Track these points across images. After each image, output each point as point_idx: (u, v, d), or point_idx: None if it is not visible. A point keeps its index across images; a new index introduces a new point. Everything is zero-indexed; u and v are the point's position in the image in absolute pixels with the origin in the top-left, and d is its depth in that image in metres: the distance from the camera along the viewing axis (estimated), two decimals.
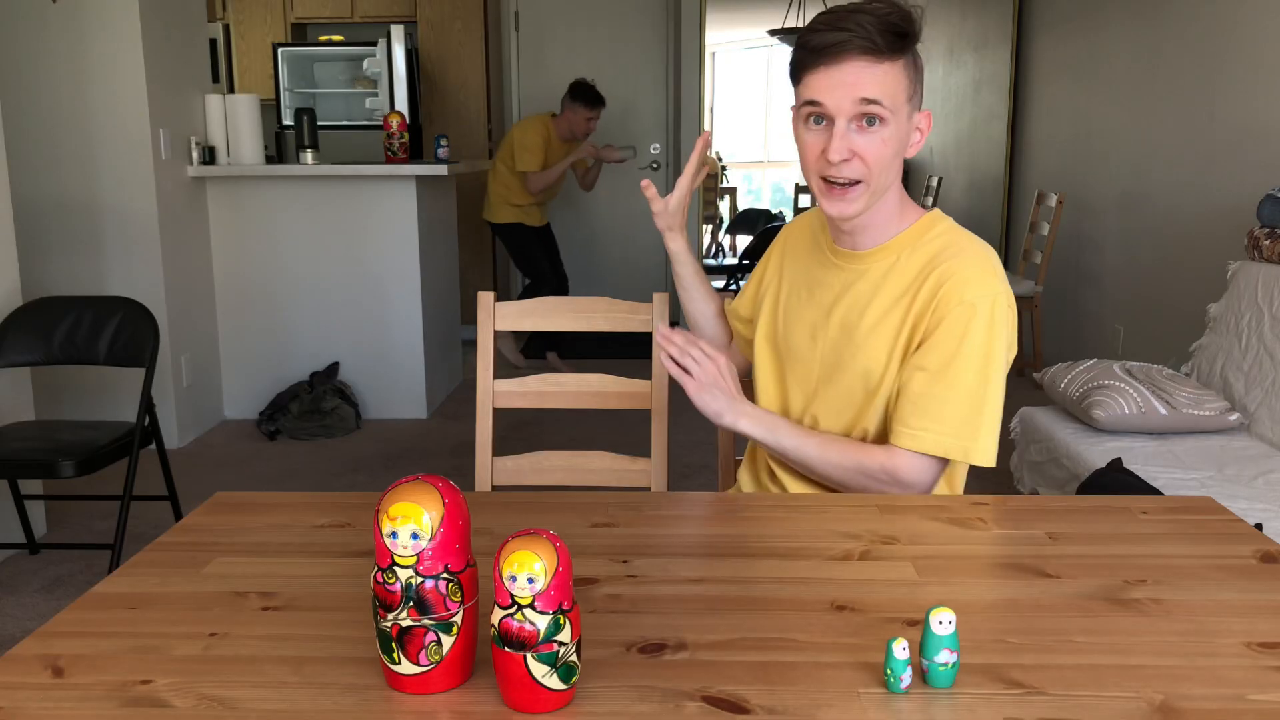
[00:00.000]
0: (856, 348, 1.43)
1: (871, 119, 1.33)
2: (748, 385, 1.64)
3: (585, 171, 5.45)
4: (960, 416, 1.36)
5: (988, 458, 1.37)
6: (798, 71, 1.37)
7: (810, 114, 1.36)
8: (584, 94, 5.11)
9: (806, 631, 1.00)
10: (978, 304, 1.35)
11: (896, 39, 1.32)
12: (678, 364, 1.42)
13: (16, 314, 2.99)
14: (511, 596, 0.85)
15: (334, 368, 4.49)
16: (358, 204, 4.38)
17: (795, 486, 1.52)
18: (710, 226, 9.80)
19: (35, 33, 3.81)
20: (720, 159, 10.75)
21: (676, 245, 1.66)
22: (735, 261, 6.44)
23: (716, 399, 1.42)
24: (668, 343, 1.42)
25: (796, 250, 1.59)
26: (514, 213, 5.27)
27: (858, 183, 1.36)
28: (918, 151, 1.41)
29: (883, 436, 1.44)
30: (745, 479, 1.63)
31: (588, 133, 5.18)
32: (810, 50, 1.34)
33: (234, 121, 4.32)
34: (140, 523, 3.23)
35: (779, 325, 1.56)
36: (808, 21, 1.42)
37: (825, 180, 1.37)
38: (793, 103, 1.41)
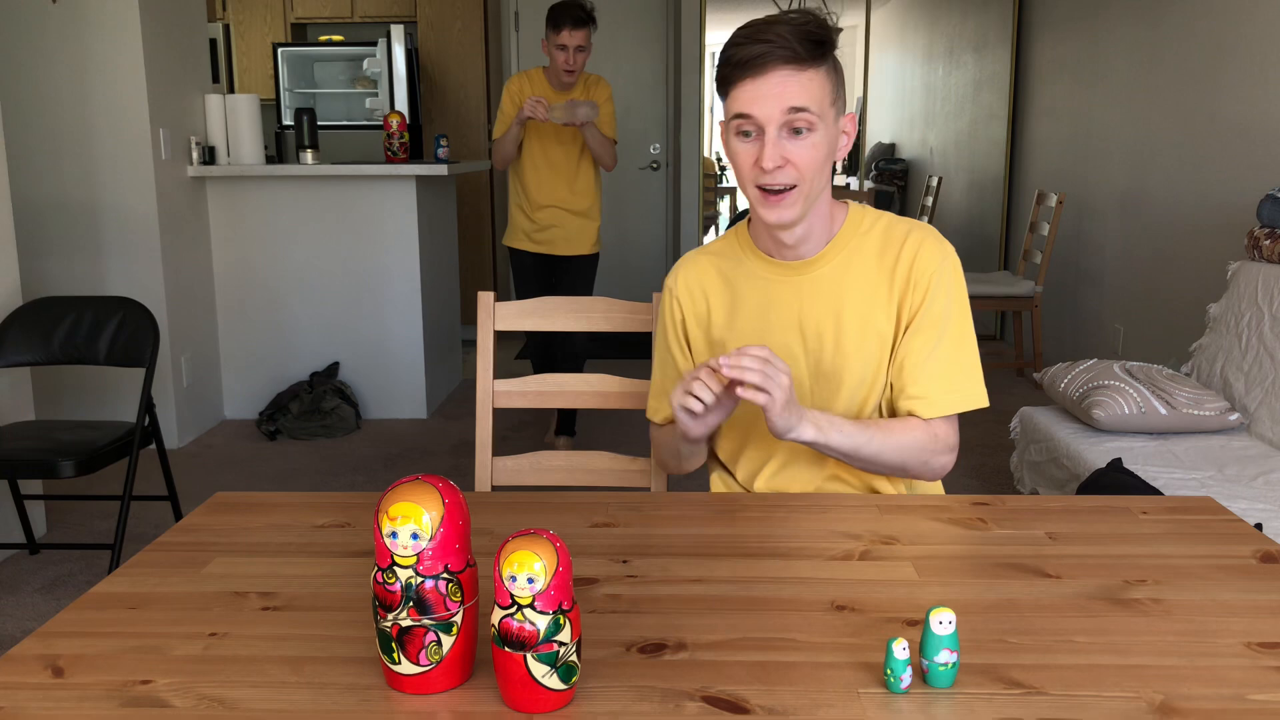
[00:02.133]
0: (847, 347, 1.44)
1: (799, 127, 1.35)
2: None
3: (598, 143, 3.83)
4: (967, 370, 1.45)
5: (985, 398, 1.47)
6: (724, 86, 1.39)
7: (740, 127, 1.37)
8: (550, 14, 3.76)
9: (806, 631, 1.00)
10: (945, 264, 1.43)
11: (816, 46, 1.34)
12: (756, 386, 1.26)
13: (16, 314, 2.99)
14: (511, 596, 0.85)
15: (334, 368, 4.49)
16: (358, 204, 4.38)
17: (762, 486, 1.52)
18: (712, 227, 9.80)
19: (35, 33, 3.81)
20: (719, 159, 10.75)
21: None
22: None
23: (793, 414, 1.30)
24: (740, 371, 1.24)
25: (716, 293, 1.51)
26: (518, 231, 3.97)
27: (793, 188, 1.37)
28: (846, 154, 1.44)
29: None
30: (716, 482, 1.62)
31: (569, 70, 3.76)
32: (735, 65, 1.35)
33: (234, 121, 4.33)
34: (140, 523, 3.23)
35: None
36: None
37: (761, 189, 1.38)
38: (721, 117, 1.42)
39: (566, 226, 3.95)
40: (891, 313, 1.44)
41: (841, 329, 1.43)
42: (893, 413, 1.47)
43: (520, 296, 3.98)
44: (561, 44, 3.75)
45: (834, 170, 1.46)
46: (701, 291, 1.53)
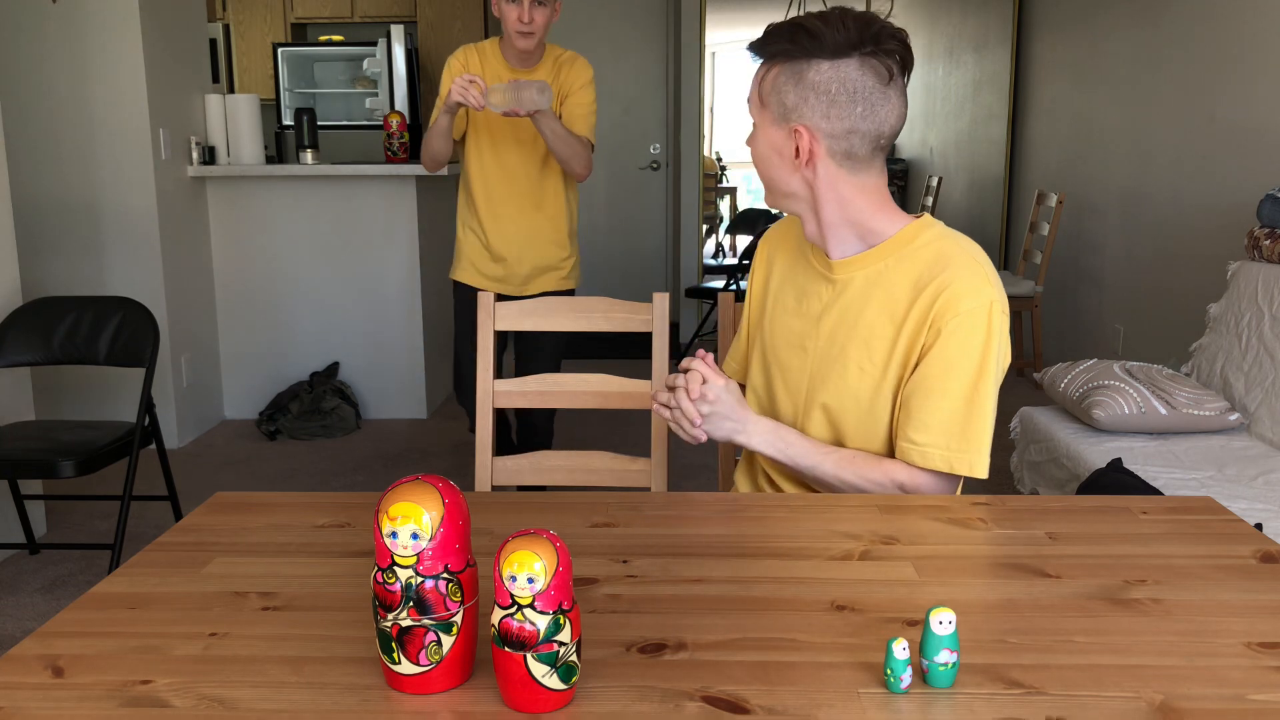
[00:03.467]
0: (847, 361, 1.42)
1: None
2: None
3: (560, 140, 2.75)
4: (969, 433, 1.37)
5: (985, 469, 1.39)
6: None
7: None
8: None
9: (806, 631, 1.00)
10: (974, 314, 1.34)
11: (768, 42, 1.38)
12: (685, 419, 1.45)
13: (16, 314, 2.99)
14: (511, 596, 0.85)
15: (334, 368, 4.49)
16: (358, 204, 4.38)
17: (793, 490, 1.52)
18: (712, 229, 9.81)
19: (35, 33, 3.81)
20: (720, 159, 10.76)
21: None
22: (735, 262, 6.45)
23: (721, 425, 1.43)
24: (662, 408, 1.45)
25: (782, 257, 1.56)
26: (465, 261, 2.99)
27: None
28: (802, 169, 1.38)
29: (872, 451, 1.44)
30: (743, 482, 1.62)
31: (524, 32, 2.70)
32: None
33: (234, 121, 4.33)
34: (140, 523, 3.23)
35: (766, 337, 1.54)
36: None
37: None
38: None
39: (528, 260, 2.94)
40: (903, 343, 1.38)
41: (853, 337, 1.41)
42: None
43: (458, 347, 3.00)
44: None
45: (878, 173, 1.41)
46: (768, 257, 1.59)
